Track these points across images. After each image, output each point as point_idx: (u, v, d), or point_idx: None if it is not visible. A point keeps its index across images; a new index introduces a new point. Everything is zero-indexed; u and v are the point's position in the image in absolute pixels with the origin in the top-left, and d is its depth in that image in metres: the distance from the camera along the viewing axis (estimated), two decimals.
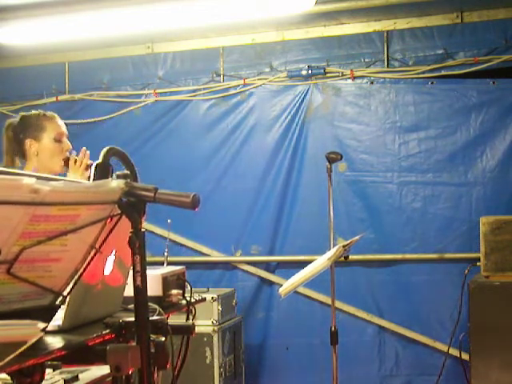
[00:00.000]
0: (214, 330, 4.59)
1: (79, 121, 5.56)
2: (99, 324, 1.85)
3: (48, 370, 1.92)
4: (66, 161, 3.08)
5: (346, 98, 5.15)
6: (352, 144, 5.09)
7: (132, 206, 1.61)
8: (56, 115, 3.21)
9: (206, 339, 4.57)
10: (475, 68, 4.87)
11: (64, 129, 3.18)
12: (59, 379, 1.99)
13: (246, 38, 5.33)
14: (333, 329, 3.81)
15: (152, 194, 1.63)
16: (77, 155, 3.13)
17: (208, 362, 4.57)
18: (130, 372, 1.71)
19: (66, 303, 1.71)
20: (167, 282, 2.26)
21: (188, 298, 2.35)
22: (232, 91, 5.34)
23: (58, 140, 3.11)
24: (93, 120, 5.53)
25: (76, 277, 1.64)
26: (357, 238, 3.82)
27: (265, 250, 5.23)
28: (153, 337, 1.70)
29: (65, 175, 3.06)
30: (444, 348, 4.69)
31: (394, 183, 5.01)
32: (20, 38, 4.79)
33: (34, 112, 3.17)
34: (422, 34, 5.01)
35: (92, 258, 1.64)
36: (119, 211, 1.61)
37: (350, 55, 5.14)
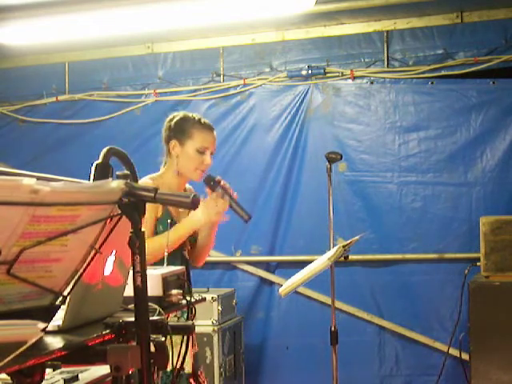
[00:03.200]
0: (213, 330, 4.59)
1: (79, 121, 5.57)
2: (99, 324, 1.85)
3: (48, 370, 1.92)
4: (208, 181, 2.99)
5: (345, 97, 5.15)
6: (352, 144, 5.09)
7: (132, 206, 1.61)
8: (211, 126, 3.11)
9: (205, 339, 4.57)
10: (475, 68, 4.87)
11: (211, 143, 3.08)
12: (59, 379, 1.99)
13: (246, 38, 5.33)
14: (333, 329, 3.81)
15: (152, 194, 1.63)
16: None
17: (208, 362, 4.57)
18: (130, 372, 1.71)
19: (66, 303, 1.71)
20: (167, 282, 2.26)
21: (188, 298, 2.35)
22: (232, 91, 5.34)
23: (200, 152, 3.06)
24: (93, 120, 5.53)
25: (76, 277, 1.64)
26: (357, 238, 3.81)
27: (265, 250, 5.24)
28: (153, 337, 1.70)
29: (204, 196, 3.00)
30: (444, 348, 4.69)
31: (394, 183, 5.01)
32: (20, 38, 4.80)
33: (193, 115, 3.11)
34: (422, 33, 5.01)
35: (92, 258, 1.64)
36: (119, 211, 1.61)
37: (349, 55, 5.15)
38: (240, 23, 4.91)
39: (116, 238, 1.66)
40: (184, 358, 2.16)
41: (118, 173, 2.01)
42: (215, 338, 4.58)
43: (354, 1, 4.65)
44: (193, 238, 3.15)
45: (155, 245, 2.81)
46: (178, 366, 2.10)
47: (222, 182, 3.03)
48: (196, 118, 3.10)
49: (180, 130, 3.07)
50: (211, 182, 3.01)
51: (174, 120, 3.11)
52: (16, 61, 5.71)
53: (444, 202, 4.92)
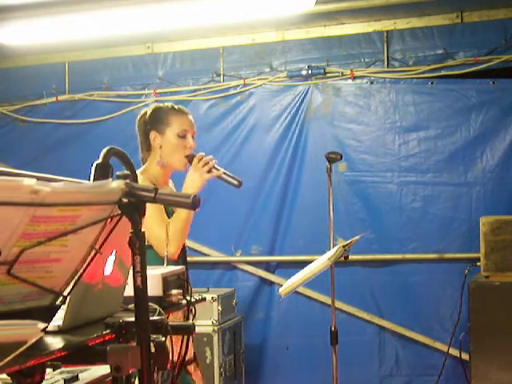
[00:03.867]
0: (213, 330, 4.59)
1: (79, 121, 5.57)
2: (99, 324, 1.85)
3: (48, 370, 1.92)
4: (190, 158, 3.01)
5: (345, 97, 5.15)
6: (352, 144, 5.09)
7: (132, 206, 1.61)
8: (186, 111, 3.14)
9: (205, 339, 4.57)
10: (475, 68, 4.87)
11: (190, 126, 3.09)
12: (59, 379, 1.99)
13: (246, 38, 5.33)
14: (333, 329, 3.81)
15: (152, 195, 1.63)
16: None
17: (208, 362, 4.57)
18: (130, 372, 1.71)
19: (66, 303, 1.71)
20: (167, 282, 2.26)
21: (188, 298, 2.35)
22: (232, 91, 5.34)
23: (181, 136, 3.06)
24: (93, 120, 5.53)
25: (76, 277, 1.65)
26: (357, 238, 3.82)
27: (265, 250, 5.24)
28: (153, 337, 1.70)
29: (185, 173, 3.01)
30: (444, 348, 4.69)
31: (394, 183, 5.01)
32: (20, 38, 4.79)
33: (165, 104, 3.14)
34: (422, 33, 5.01)
35: (92, 259, 1.64)
36: (119, 212, 1.61)
37: (350, 55, 5.15)
38: (240, 23, 4.91)
39: (116, 238, 1.66)
40: (184, 358, 2.17)
41: (117, 173, 2.01)
42: (215, 338, 4.58)
43: (354, 1, 4.65)
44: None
45: (180, 224, 2.89)
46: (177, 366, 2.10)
47: (201, 155, 3.00)
48: (169, 106, 3.13)
49: (157, 121, 3.08)
50: (192, 158, 3.00)
51: (148, 113, 3.13)
52: (16, 61, 5.70)
53: (444, 201, 4.92)
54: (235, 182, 3.01)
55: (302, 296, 5.10)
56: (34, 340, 1.38)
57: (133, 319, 1.66)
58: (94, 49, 5.52)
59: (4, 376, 1.61)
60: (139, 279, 1.62)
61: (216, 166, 2.99)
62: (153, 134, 3.09)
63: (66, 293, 1.65)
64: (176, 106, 3.13)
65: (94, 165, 1.96)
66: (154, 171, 3.07)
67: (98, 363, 1.78)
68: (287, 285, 3.50)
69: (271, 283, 5.25)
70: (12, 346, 1.36)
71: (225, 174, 3.01)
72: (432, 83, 4.99)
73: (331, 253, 3.47)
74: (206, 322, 4.57)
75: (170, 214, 2.97)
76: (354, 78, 5.12)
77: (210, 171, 2.96)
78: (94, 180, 1.91)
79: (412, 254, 4.95)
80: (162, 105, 3.16)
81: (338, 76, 5.16)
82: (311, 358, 5.06)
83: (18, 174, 1.58)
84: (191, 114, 3.16)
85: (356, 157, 5.08)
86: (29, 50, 5.26)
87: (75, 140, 5.56)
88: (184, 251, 3.07)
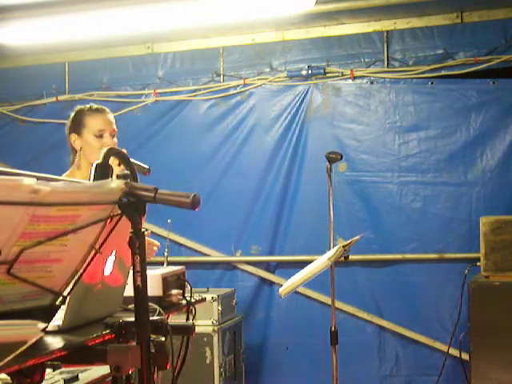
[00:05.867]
0: (213, 330, 4.59)
1: None
2: (99, 324, 1.85)
3: (48, 370, 1.92)
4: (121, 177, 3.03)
5: (345, 97, 5.15)
6: (352, 144, 5.09)
7: (132, 206, 1.61)
8: (104, 109, 3.16)
9: (205, 339, 4.57)
10: (475, 68, 4.87)
11: (107, 125, 3.11)
12: (59, 379, 1.99)
13: (246, 38, 5.33)
14: (333, 329, 3.81)
15: (152, 195, 1.63)
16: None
17: (208, 362, 4.57)
18: (130, 372, 1.71)
19: (66, 303, 1.71)
20: (167, 282, 2.26)
21: (188, 298, 2.35)
22: (232, 91, 5.34)
23: (98, 136, 3.09)
24: None
25: (76, 277, 1.64)
26: (357, 238, 3.82)
27: (265, 250, 5.24)
28: (153, 337, 1.70)
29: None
30: (444, 348, 4.69)
31: (394, 183, 5.01)
32: (20, 38, 4.79)
33: (85, 106, 3.18)
34: (422, 33, 5.01)
35: (92, 258, 1.64)
36: (119, 211, 1.61)
37: (349, 55, 5.15)
38: (240, 23, 4.91)
39: (116, 237, 1.66)
40: (184, 359, 2.17)
41: (118, 173, 2.01)
42: (215, 338, 4.58)
43: (354, 1, 4.65)
44: None
45: None
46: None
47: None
48: (87, 107, 3.16)
49: (75, 123, 3.13)
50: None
51: (70, 117, 3.18)
52: (16, 61, 5.70)
53: (444, 201, 4.92)
54: (145, 171, 2.88)
55: (302, 296, 5.10)
56: (33, 340, 1.38)
57: (133, 319, 1.66)
58: (94, 49, 5.52)
59: (4, 376, 1.61)
60: (139, 279, 1.62)
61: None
62: (72, 137, 3.14)
63: (65, 293, 1.65)
64: (94, 106, 3.18)
65: (94, 165, 1.96)
66: (78, 174, 3.10)
67: (98, 363, 1.78)
68: (287, 285, 3.50)
69: (271, 283, 5.25)
70: (12, 346, 1.36)
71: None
72: (432, 83, 4.99)
73: (331, 253, 3.47)
74: (205, 322, 4.57)
75: None
76: (354, 77, 5.12)
77: (119, 164, 2.96)
78: (94, 180, 1.91)
79: (412, 254, 4.95)
80: (82, 107, 3.20)
81: (338, 76, 5.16)
82: (311, 358, 5.06)
83: (17, 174, 1.58)
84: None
85: (356, 157, 5.08)
86: (29, 50, 5.26)
87: None
88: None
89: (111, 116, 3.18)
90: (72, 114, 3.18)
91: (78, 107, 3.20)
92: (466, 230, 4.85)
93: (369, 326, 5.05)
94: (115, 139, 3.13)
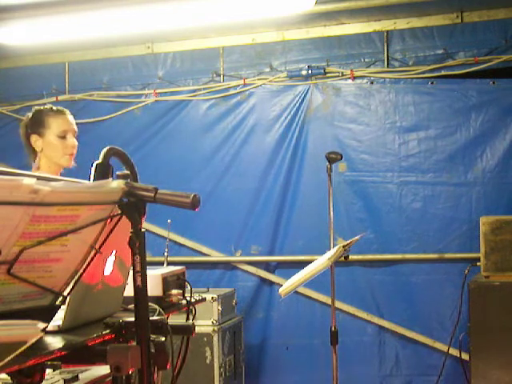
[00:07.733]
0: (214, 330, 4.59)
1: (79, 121, 5.54)
2: (99, 324, 1.85)
3: (48, 370, 1.92)
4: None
5: (345, 97, 5.15)
6: (352, 144, 5.09)
7: (132, 206, 1.61)
8: (65, 111, 3.19)
9: (205, 339, 4.57)
10: (475, 68, 4.87)
11: (69, 126, 3.15)
12: (59, 379, 1.99)
13: (246, 38, 5.33)
14: (333, 329, 3.81)
15: (152, 195, 1.63)
16: None
17: (208, 362, 4.57)
18: (130, 372, 1.71)
19: (66, 303, 1.71)
20: (167, 282, 2.26)
21: (188, 298, 2.35)
22: (232, 91, 5.34)
23: (61, 136, 3.11)
24: (93, 120, 5.52)
25: (76, 277, 1.64)
26: (357, 238, 3.82)
27: (265, 250, 5.24)
28: (153, 337, 1.70)
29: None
30: (444, 348, 4.69)
31: (394, 183, 5.01)
32: (20, 38, 4.79)
33: (43, 107, 3.19)
34: (422, 33, 5.01)
35: (92, 259, 1.64)
36: (119, 211, 1.61)
37: (349, 55, 5.15)
38: (240, 23, 4.91)
39: (116, 237, 1.66)
40: (184, 359, 2.17)
41: (118, 173, 2.01)
42: (215, 338, 4.58)
43: (354, 1, 4.65)
44: None
45: None
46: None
47: None
48: (48, 107, 3.18)
49: (36, 124, 3.14)
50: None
51: (29, 116, 3.18)
52: (16, 61, 5.70)
53: (444, 201, 4.92)
54: None
55: (302, 296, 5.10)
56: (33, 340, 1.38)
57: (133, 319, 1.66)
58: (94, 49, 5.52)
59: (4, 376, 1.61)
60: (139, 279, 1.62)
61: None
62: (33, 138, 3.14)
63: (65, 293, 1.65)
64: (55, 108, 3.19)
65: (94, 165, 1.96)
66: (45, 172, 3.10)
67: (98, 363, 1.78)
68: (287, 285, 3.49)
69: (271, 283, 5.25)
70: (12, 346, 1.36)
71: None
72: (432, 83, 4.99)
73: (331, 253, 3.47)
74: (205, 322, 4.57)
75: None
76: (354, 77, 5.12)
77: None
78: (94, 180, 1.91)
79: (412, 254, 4.95)
80: (41, 108, 3.21)
81: (338, 76, 5.16)
82: (311, 358, 5.06)
83: (17, 174, 1.58)
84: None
85: (356, 157, 5.08)
86: (29, 49, 5.26)
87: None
88: None
89: (71, 117, 3.21)
90: (30, 115, 3.18)
91: (37, 108, 3.21)
92: (465, 229, 4.85)
93: (369, 325, 5.05)
94: (75, 140, 3.16)
